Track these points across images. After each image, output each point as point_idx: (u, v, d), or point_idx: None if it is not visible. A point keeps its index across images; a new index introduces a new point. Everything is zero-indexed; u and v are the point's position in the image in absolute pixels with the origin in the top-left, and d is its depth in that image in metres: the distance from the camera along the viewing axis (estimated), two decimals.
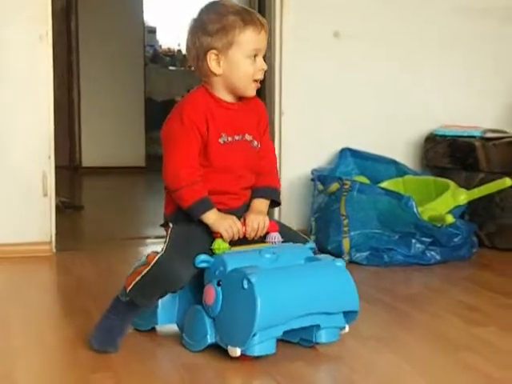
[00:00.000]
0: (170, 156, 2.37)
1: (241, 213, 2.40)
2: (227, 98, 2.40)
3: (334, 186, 3.77)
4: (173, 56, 10.07)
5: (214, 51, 2.32)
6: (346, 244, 3.65)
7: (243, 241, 2.36)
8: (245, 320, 2.15)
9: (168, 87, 9.04)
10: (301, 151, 3.93)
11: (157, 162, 8.58)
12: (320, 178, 3.95)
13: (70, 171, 7.44)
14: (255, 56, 2.35)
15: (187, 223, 2.37)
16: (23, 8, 3.70)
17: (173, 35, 10.11)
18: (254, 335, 2.14)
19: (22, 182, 3.73)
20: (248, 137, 2.43)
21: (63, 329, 2.69)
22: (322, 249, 3.40)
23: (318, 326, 2.30)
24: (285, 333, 2.25)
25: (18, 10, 3.70)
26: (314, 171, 4.02)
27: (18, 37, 3.72)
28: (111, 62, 7.46)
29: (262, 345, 2.19)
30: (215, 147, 2.36)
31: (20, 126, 3.74)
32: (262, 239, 2.40)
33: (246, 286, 2.14)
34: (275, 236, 2.41)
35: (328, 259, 2.39)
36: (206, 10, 2.40)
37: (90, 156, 7.51)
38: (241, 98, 2.43)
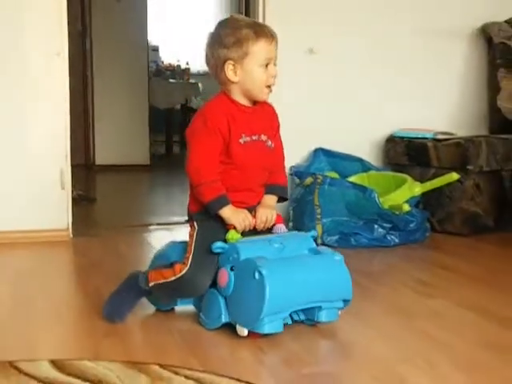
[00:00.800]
0: (193, 155, 2.31)
1: (253, 208, 2.36)
2: (244, 102, 2.34)
3: (309, 180, 3.77)
4: (173, 70, 10.03)
5: (231, 61, 2.26)
6: (318, 229, 3.64)
7: (253, 231, 2.33)
8: (254, 305, 2.12)
9: (168, 97, 9.00)
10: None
11: (159, 161, 8.64)
12: (297, 173, 3.95)
13: (86, 168, 7.41)
14: (267, 64, 2.28)
15: (207, 219, 2.31)
16: (43, 29, 3.69)
17: (173, 53, 10.09)
18: (262, 317, 2.11)
19: (43, 178, 3.73)
20: (263, 137, 2.37)
21: (78, 302, 2.69)
22: None
23: (319, 307, 2.26)
24: (290, 313, 2.24)
25: (39, 31, 3.69)
26: (291, 167, 4.01)
27: (39, 53, 3.70)
28: (120, 76, 7.43)
29: (270, 324, 2.15)
30: (236, 146, 2.29)
31: (40, 130, 3.73)
32: (269, 230, 2.37)
33: (257, 276, 2.10)
34: (281, 227, 2.39)
35: (328, 253, 2.33)
36: (221, 25, 2.35)
37: (103, 155, 7.48)
38: (255, 103, 2.37)
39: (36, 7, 3.66)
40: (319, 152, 4.17)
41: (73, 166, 3.87)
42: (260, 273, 2.10)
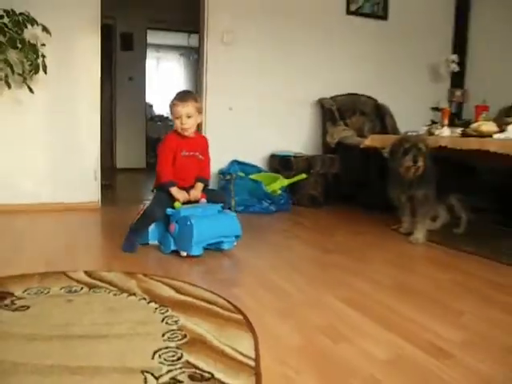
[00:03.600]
0: (159, 162, 2.33)
1: (189, 189, 2.37)
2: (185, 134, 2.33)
3: (228, 177, 3.76)
4: (161, 118, 9.85)
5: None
6: (233, 203, 3.64)
7: (188, 202, 2.34)
8: (189, 239, 2.15)
9: (157, 131, 8.82)
10: (215, 161, 3.90)
11: (152, 166, 8.34)
12: (222, 173, 3.91)
13: (111, 169, 7.17)
14: (179, 117, 2.28)
15: (162, 192, 2.31)
16: (86, 98, 3.55)
17: (161, 109, 9.88)
18: (192, 246, 2.14)
19: (84, 173, 3.60)
20: (197, 153, 2.39)
21: (103, 244, 2.61)
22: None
23: (222, 242, 2.30)
24: (207, 244, 2.25)
25: (85, 94, 3.55)
26: (219, 170, 3.97)
27: (86, 108, 3.55)
28: (131, 120, 7.21)
29: (196, 249, 2.18)
30: (179, 157, 2.32)
31: (82, 145, 3.58)
32: (197, 202, 2.37)
33: (188, 223, 2.14)
34: (204, 201, 2.39)
35: (229, 212, 2.37)
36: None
37: (120, 162, 7.27)
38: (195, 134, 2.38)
39: (85, 76, 3.52)
40: (234, 162, 4.12)
41: (103, 168, 3.74)
42: (190, 221, 2.14)
